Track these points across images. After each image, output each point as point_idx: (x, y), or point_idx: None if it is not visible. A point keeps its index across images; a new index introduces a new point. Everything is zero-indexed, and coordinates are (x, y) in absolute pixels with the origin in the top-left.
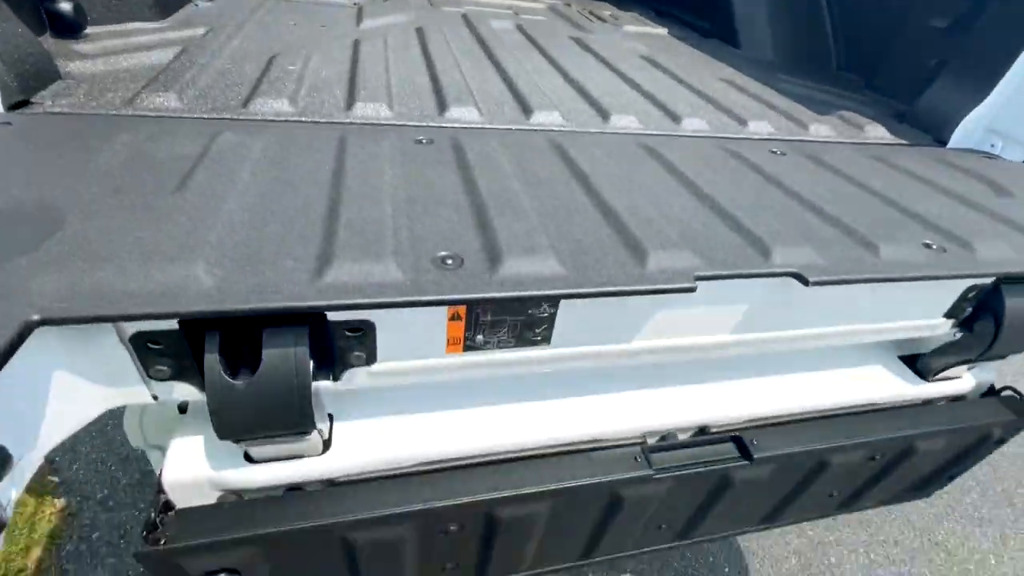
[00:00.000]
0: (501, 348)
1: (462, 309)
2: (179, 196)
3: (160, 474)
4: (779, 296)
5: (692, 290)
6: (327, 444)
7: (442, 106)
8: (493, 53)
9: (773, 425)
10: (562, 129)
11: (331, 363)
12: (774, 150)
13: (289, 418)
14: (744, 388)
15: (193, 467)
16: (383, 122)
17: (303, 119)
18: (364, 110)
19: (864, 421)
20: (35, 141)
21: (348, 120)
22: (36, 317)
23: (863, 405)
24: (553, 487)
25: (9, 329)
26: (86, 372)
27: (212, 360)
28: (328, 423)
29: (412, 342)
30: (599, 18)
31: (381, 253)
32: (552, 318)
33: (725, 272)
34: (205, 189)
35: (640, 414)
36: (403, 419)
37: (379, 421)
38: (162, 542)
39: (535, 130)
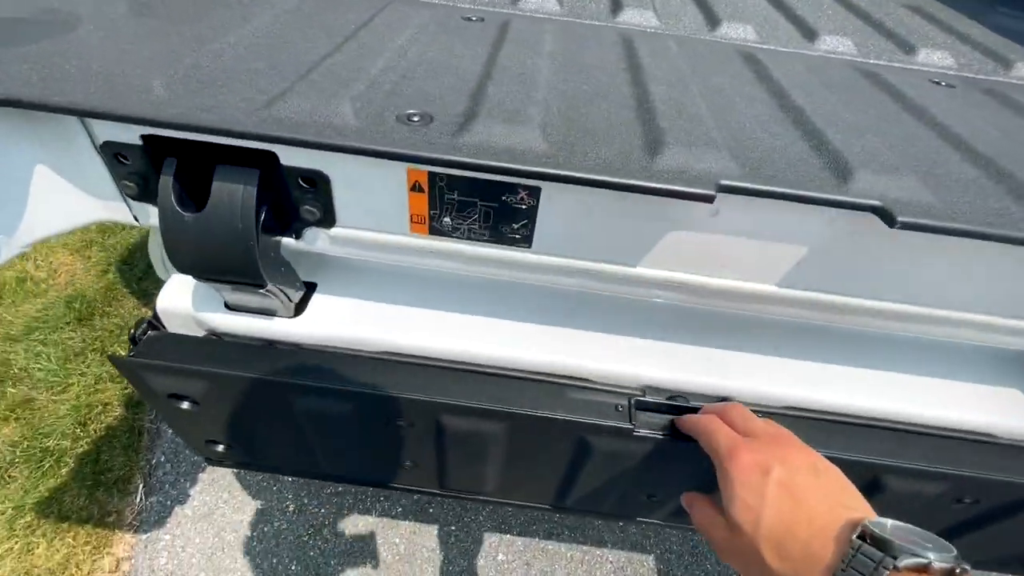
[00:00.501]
0: (473, 240)
1: (423, 177)
2: (188, 23)
3: (157, 297)
4: (860, 246)
5: (709, 199)
6: (299, 309)
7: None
8: None
9: (817, 419)
10: (655, 31)
11: (289, 218)
12: (937, 80)
13: (235, 261)
14: (796, 364)
15: (180, 301)
16: (551, 14)
17: None
18: None
19: (960, 449)
20: None
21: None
22: (9, 94)
23: (973, 432)
24: (504, 409)
25: None
26: (69, 176)
27: (165, 183)
28: (303, 291)
29: (373, 209)
30: None
31: (339, 98)
32: (532, 212)
33: (765, 187)
34: (213, 24)
35: (641, 362)
36: (380, 307)
37: (357, 303)
38: (132, 355)
39: (609, 26)
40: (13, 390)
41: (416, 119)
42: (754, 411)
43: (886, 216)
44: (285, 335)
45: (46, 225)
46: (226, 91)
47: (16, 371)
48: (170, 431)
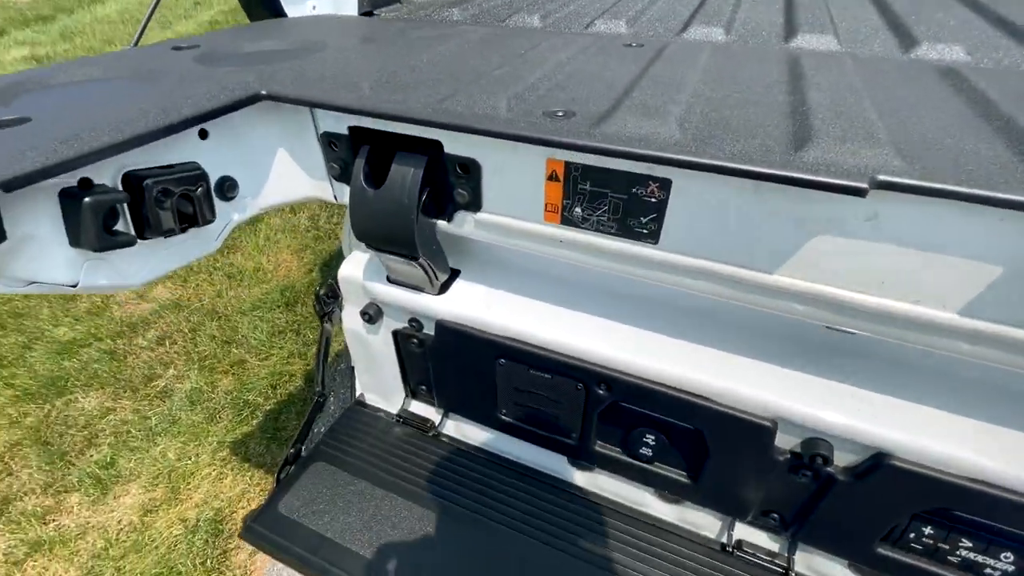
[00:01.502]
0: (601, 232)
1: (559, 167)
2: (396, 50)
3: (340, 268)
4: None
5: (862, 193)
6: (444, 289)
7: (679, 27)
8: None
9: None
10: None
11: (444, 203)
12: None
13: (398, 230)
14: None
15: (355, 272)
16: (619, 34)
17: (550, 30)
18: (599, 27)
19: None
20: (357, 25)
21: (585, 33)
22: (264, 91)
23: None
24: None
25: (247, 91)
26: (298, 158)
27: (358, 164)
28: (448, 275)
29: (514, 196)
30: None
31: (497, 97)
32: (662, 206)
33: (936, 185)
34: (414, 50)
35: (776, 391)
36: (509, 296)
37: (490, 291)
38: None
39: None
40: (235, 351)
41: (560, 114)
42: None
43: None
44: (428, 309)
45: (276, 195)
46: (413, 92)
47: (239, 337)
48: (332, 408)
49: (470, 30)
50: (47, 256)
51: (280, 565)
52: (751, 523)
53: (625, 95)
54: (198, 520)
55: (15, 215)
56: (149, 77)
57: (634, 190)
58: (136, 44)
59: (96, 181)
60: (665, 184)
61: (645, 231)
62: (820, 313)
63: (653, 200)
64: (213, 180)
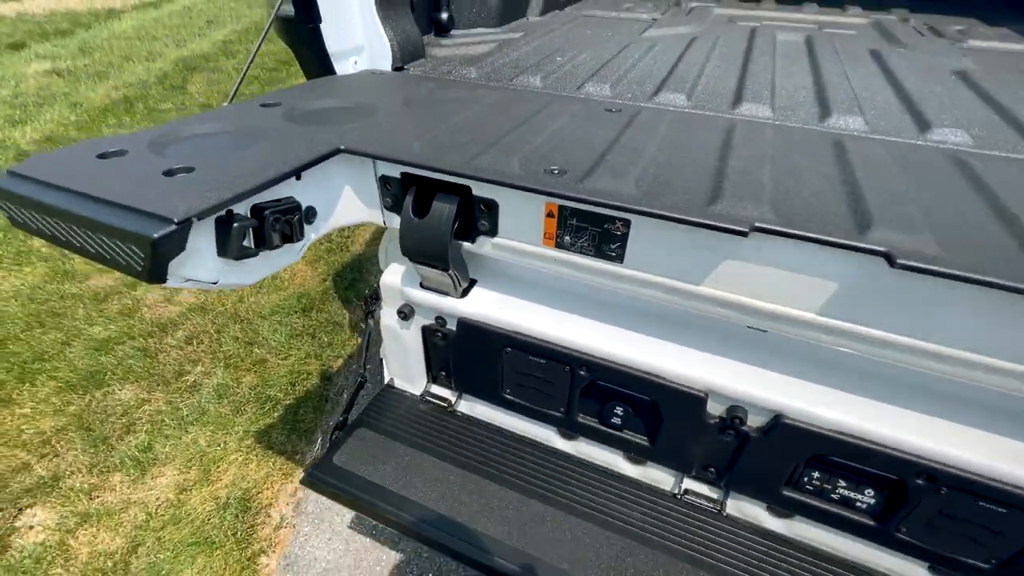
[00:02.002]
0: (583, 253)
1: (555, 208)
2: (433, 112)
3: (382, 276)
4: (878, 285)
5: (744, 234)
6: (465, 293)
7: (652, 91)
8: (750, 60)
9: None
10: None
11: (469, 229)
12: None
13: (436, 249)
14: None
15: (394, 280)
16: (602, 98)
17: (546, 91)
18: (588, 89)
19: None
20: (394, 83)
21: (571, 95)
22: (342, 147)
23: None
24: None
25: (329, 147)
26: (359, 192)
27: (408, 201)
28: (468, 283)
29: (521, 227)
30: (937, 33)
31: (511, 157)
32: (625, 238)
33: (789, 230)
34: (446, 113)
35: (705, 370)
36: (515, 300)
37: (501, 296)
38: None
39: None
40: (257, 351)
41: (556, 172)
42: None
43: (889, 259)
44: (452, 309)
45: (341, 220)
46: (449, 151)
47: (260, 338)
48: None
49: (485, 95)
50: (202, 262)
51: (303, 535)
52: (695, 477)
53: (601, 158)
54: (228, 498)
55: (192, 236)
56: (256, 134)
57: (606, 226)
58: (231, 100)
59: (236, 211)
60: (626, 223)
61: (613, 254)
62: (729, 312)
63: (619, 233)
64: (303, 207)
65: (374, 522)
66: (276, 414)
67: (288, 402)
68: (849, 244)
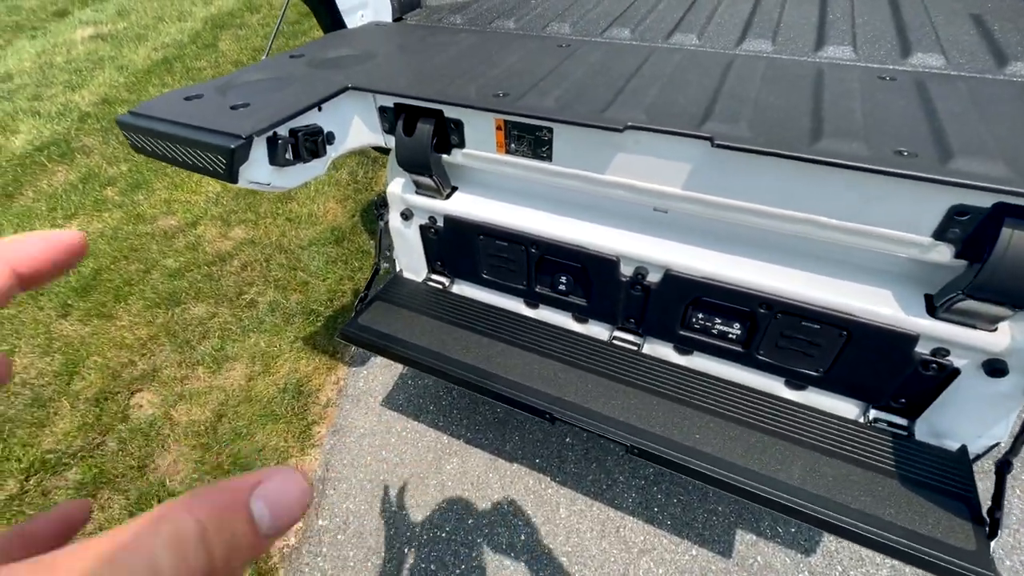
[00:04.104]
0: (524, 156)
1: (501, 122)
2: (419, 56)
3: (385, 187)
4: (716, 163)
5: (619, 130)
6: (448, 196)
7: (604, 27)
8: None
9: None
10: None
11: (446, 144)
12: (883, 76)
13: (421, 159)
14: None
15: (397, 190)
16: (561, 35)
17: (517, 32)
18: (552, 28)
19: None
20: (393, 33)
21: (537, 34)
22: (349, 85)
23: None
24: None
25: (341, 85)
26: (365, 120)
27: (399, 125)
28: (450, 188)
29: (481, 140)
30: None
31: (470, 85)
32: (551, 141)
33: (650, 126)
34: (429, 56)
35: (611, 239)
36: (482, 199)
37: (473, 197)
38: (378, 208)
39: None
40: (300, 274)
41: (501, 95)
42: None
43: (710, 140)
44: (440, 208)
45: (352, 142)
46: (428, 84)
47: (302, 264)
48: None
49: (464, 39)
50: (260, 169)
51: (345, 411)
52: (621, 328)
53: (537, 83)
54: (286, 385)
55: (252, 149)
56: (289, 78)
57: (536, 134)
58: (268, 54)
59: (279, 133)
60: (550, 130)
61: (544, 155)
62: (628, 194)
63: (546, 139)
64: (324, 131)
65: (400, 399)
66: (319, 323)
67: (328, 314)
68: (686, 132)
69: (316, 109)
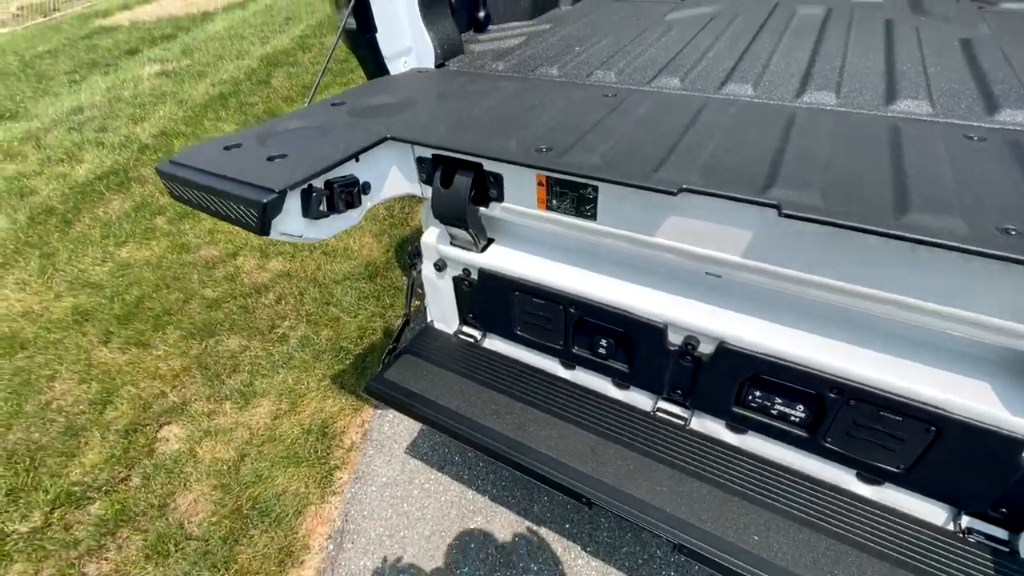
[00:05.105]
0: (566, 214)
1: (543, 178)
2: (460, 103)
3: (421, 236)
4: (783, 232)
5: (673, 193)
6: (484, 249)
7: (651, 76)
8: (756, 40)
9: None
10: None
11: (484, 197)
12: (970, 135)
13: (456, 212)
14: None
15: (431, 240)
16: (607, 84)
17: (560, 79)
18: (597, 75)
19: None
20: (434, 79)
21: (581, 82)
22: (388, 135)
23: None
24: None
25: (380, 135)
26: (402, 170)
27: (437, 176)
28: (486, 241)
29: (521, 195)
30: None
31: (511, 139)
32: (595, 200)
33: (708, 190)
34: (470, 104)
35: (667, 307)
36: (520, 254)
37: (509, 251)
38: (411, 257)
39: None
40: (332, 310)
41: (544, 150)
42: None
43: (777, 209)
44: (474, 261)
45: (389, 191)
46: (467, 135)
47: (335, 300)
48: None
49: (506, 86)
50: (293, 221)
51: (369, 456)
52: (666, 398)
53: (582, 137)
54: (311, 426)
55: (286, 202)
56: (328, 128)
57: (580, 191)
58: (310, 100)
59: (315, 185)
60: (595, 188)
61: (588, 213)
62: (678, 258)
63: (590, 196)
64: (361, 182)
65: (425, 447)
66: (348, 361)
67: (357, 352)
68: (750, 199)
69: (353, 160)
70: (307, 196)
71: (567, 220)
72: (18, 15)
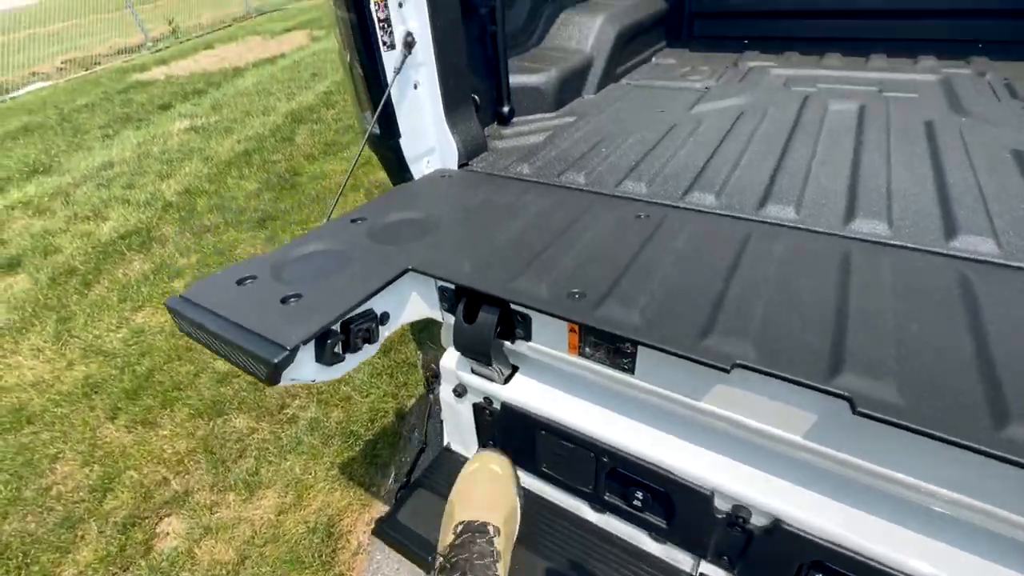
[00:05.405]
0: (601, 363)
1: (576, 327)
2: (484, 223)
3: (441, 358)
4: (852, 421)
5: (726, 371)
6: (507, 380)
7: (685, 188)
8: (791, 142)
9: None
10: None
11: (510, 332)
12: None
13: (481, 348)
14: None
15: (451, 364)
16: (638, 197)
17: (587, 189)
18: (627, 186)
19: None
20: (458, 185)
21: (610, 193)
22: (410, 267)
23: None
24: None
25: (401, 268)
26: (424, 297)
27: (460, 309)
28: (511, 370)
29: (550, 337)
30: (1013, 92)
31: (542, 281)
32: (634, 355)
33: (764, 368)
34: (496, 226)
35: (706, 469)
36: (547, 390)
37: (535, 384)
38: (429, 382)
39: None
40: (343, 388)
41: (577, 295)
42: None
43: (851, 404)
44: (496, 394)
45: (408, 318)
46: (493, 272)
47: (346, 377)
48: (415, 442)
49: (533, 201)
50: (304, 369)
51: (376, 562)
52: (711, 561)
53: (617, 282)
54: (316, 523)
55: (299, 353)
56: (348, 255)
57: (617, 344)
58: (329, 218)
59: (331, 328)
60: (634, 343)
61: (626, 367)
62: (727, 426)
63: (628, 351)
64: (378, 314)
65: None
66: (357, 448)
67: (368, 437)
68: (816, 386)
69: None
70: (321, 343)
71: (602, 370)
72: (62, 68)
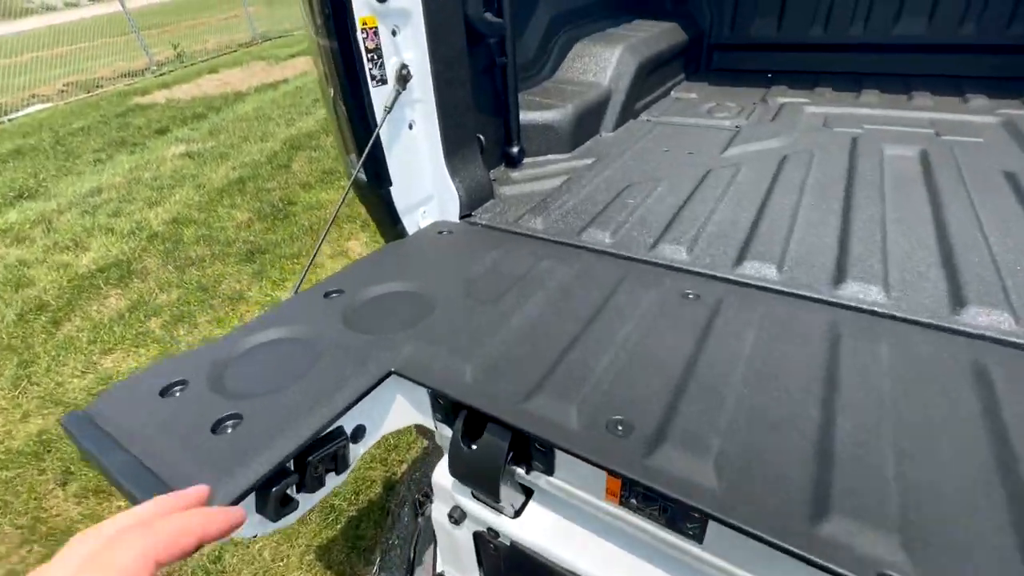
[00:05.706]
0: (653, 521)
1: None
2: (489, 301)
3: (433, 472)
4: None
5: None
6: (518, 513)
7: (735, 255)
8: (852, 195)
9: None
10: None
11: (526, 458)
12: None
13: (485, 482)
14: None
15: (446, 481)
16: (679, 265)
17: (615, 252)
18: (663, 250)
19: None
20: (458, 245)
21: (644, 257)
22: (394, 369)
23: None
24: None
25: (382, 371)
26: (412, 402)
27: (457, 425)
28: (524, 497)
29: (580, 476)
30: None
31: (568, 402)
32: (704, 523)
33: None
34: (506, 310)
35: None
36: (571, 530)
37: (555, 520)
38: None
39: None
40: None
41: (620, 427)
42: None
43: None
44: (503, 528)
45: (390, 427)
46: (504, 378)
47: None
48: (405, 521)
49: (550, 269)
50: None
51: None
52: None
53: (675, 407)
54: None
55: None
56: (313, 348)
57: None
58: (297, 291)
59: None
60: (712, 519)
61: (691, 532)
62: None
63: (697, 516)
64: (349, 430)
65: None
66: (338, 527)
67: (351, 513)
68: None
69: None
70: (264, 491)
71: (653, 529)
72: (63, 91)
